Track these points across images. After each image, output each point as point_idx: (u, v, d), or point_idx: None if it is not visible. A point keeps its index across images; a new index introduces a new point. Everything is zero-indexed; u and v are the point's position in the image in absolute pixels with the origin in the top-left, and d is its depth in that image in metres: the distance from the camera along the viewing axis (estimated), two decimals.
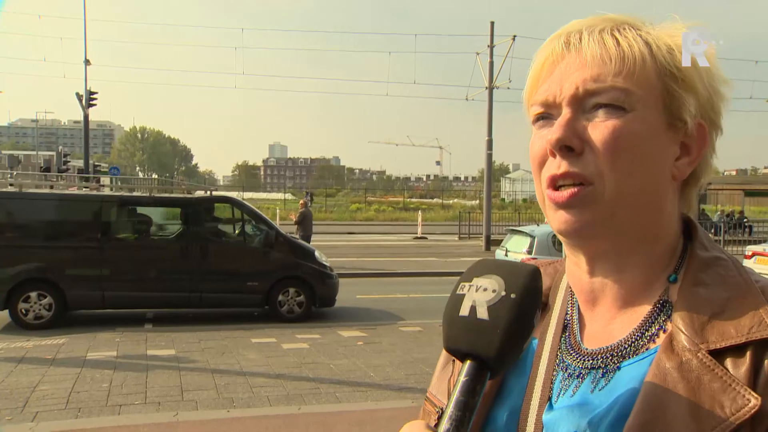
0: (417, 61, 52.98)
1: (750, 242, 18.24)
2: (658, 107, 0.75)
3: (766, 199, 37.41)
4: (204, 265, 10.31)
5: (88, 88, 25.85)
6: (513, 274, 0.71)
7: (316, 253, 10.92)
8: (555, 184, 0.76)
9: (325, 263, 10.88)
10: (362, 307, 11.88)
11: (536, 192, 0.81)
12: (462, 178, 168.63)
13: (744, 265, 0.77)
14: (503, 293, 0.69)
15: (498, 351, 0.67)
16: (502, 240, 14.69)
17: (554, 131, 0.75)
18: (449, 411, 0.66)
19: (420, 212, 34.42)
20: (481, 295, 0.70)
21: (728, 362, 0.67)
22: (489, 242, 22.49)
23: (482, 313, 0.68)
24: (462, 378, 0.67)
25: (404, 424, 0.74)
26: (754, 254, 13.31)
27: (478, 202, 46.24)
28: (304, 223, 15.63)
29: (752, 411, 0.64)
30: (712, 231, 22.27)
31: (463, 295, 0.71)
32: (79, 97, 25.72)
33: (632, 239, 0.77)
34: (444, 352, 0.95)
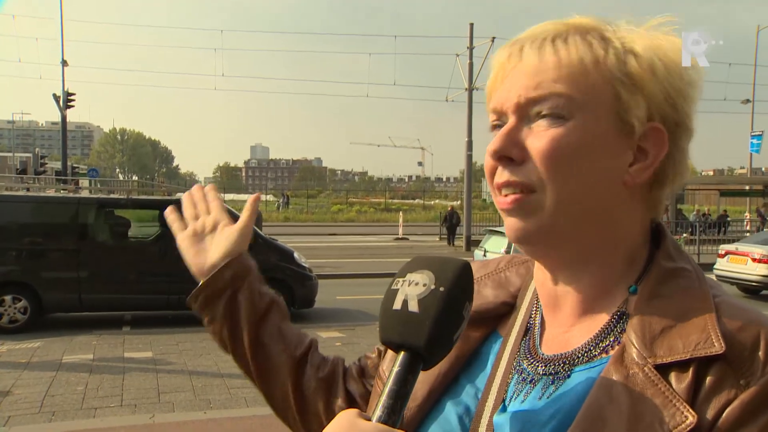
0: (397, 62, 53.12)
1: (724, 241, 18.28)
2: (605, 112, 0.73)
3: (742, 199, 37.93)
4: (183, 267, 9.93)
5: (65, 89, 25.60)
6: (443, 269, 0.73)
7: (295, 255, 10.92)
8: (500, 191, 0.77)
9: (304, 264, 10.88)
10: (341, 308, 11.91)
11: (494, 201, 0.81)
12: (444, 179, 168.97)
13: (708, 277, 0.77)
14: (433, 287, 0.71)
15: (427, 341, 0.69)
16: (482, 240, 14.78)
17: (494, 142, 0.76)
18: (382, 400, 0.68)
19: (401, 213, 34.46)
20: (412, 289, 0.72)
21: (673, 376, 0.68)
22: (469, 242, 22.59)
23: (413, 306, 0.71)
24: (395, 368, 0.69)
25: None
26: (727, 253, 13.31)
27: (459, 202, 46.44)
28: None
29: (688, 428, 0.64)
30: (689, 230, 22.55)
31: (397, 290, 0.73)
32: (56, 98, 25.44)
33: (582, 247, 0.77)
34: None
